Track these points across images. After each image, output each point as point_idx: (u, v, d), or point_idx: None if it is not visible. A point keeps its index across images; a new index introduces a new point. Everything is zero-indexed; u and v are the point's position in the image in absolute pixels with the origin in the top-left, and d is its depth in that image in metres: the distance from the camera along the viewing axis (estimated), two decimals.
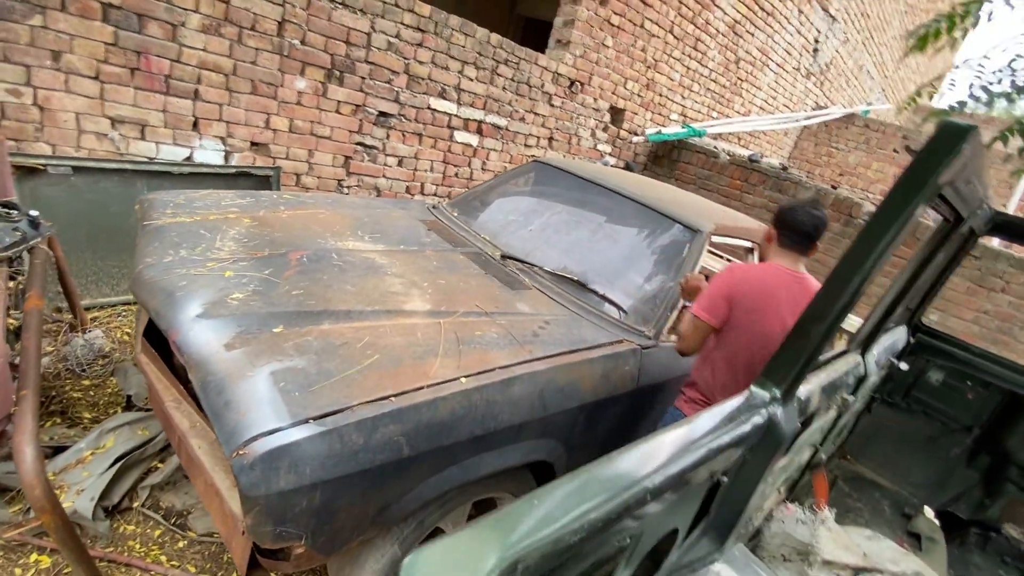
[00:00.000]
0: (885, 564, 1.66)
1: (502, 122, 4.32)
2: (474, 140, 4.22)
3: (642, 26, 4.94)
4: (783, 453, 1.05)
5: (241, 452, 1.04)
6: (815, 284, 1.76)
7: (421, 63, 3.62)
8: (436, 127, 3.93)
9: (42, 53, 2.36)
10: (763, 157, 5.42)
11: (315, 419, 1.12)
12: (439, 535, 1.60)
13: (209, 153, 2.98)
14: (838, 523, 1.82)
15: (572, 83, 4.65)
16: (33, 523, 1.63)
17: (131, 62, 2.59)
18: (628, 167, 5.60)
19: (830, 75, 8.24)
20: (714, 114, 6.46)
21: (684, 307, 2.00)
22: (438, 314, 1.65)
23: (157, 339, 1.62)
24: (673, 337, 2.15)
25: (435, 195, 4.21)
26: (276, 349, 1.28)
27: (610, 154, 5.42)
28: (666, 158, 5.71)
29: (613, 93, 5.08)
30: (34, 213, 1.93)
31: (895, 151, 8.20)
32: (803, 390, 1.13)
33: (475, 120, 4.13)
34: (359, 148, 3.60)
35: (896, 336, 2.21)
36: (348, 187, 3.67)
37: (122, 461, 1.78)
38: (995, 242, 4.43)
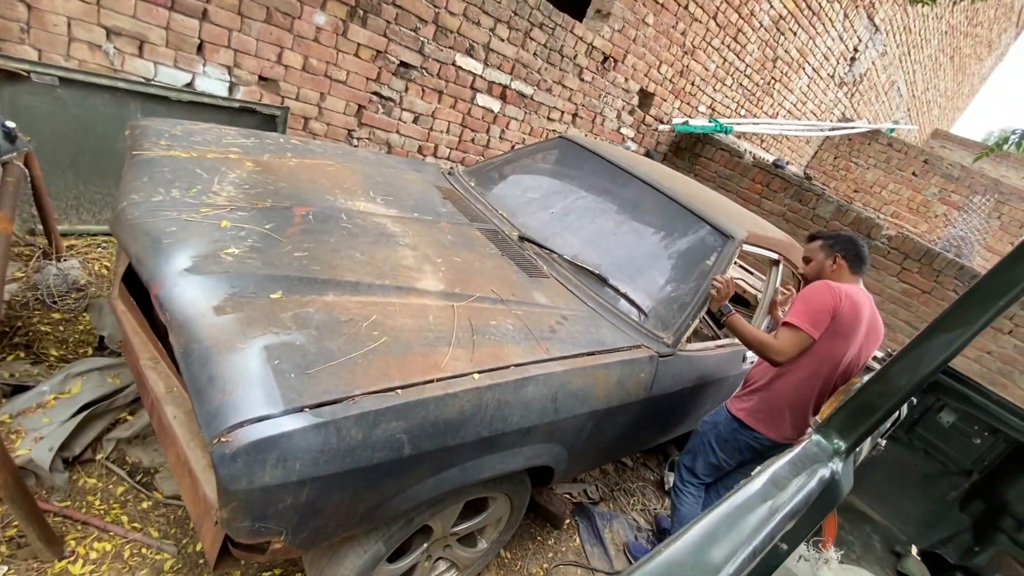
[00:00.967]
0: None
1: (528, 90, 4.07)
2: (496, 106, 3.98)
3: (686, 7, 4.67)
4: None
5: (223, 439, 0.90)
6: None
7: (452, 14, 3.35)
8: (458, 86, 3.69)
9: None
10: (788, 164, 5.25)
11: (311, 408, 0.98)
12: (427, 532, 1.50)
13: (212, 82, 2.73)
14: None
15: (606, 58, 4.40)
16: None
17: None
18: (648, 155, 5.40)
19: (862, 87, 8.01)
20: (742, 112, 6.24)
21: (724, 314, 1.89)
22: (451, 296, 1.50)
23: (137, 286, 1.46)
24: (693, 346, 2.03)
25: (448, 159, 3.99)
26: (272, 319, 1.13)
27: (632, 139, 5.21)
28: (688, 151, 5.51)
29: (645, 75, 4.83)
30: (11, 124, 1.72)
31: (914, 174, 8.06)
32: None
33: (500, 84, 3.89)
34: (375, 98, 3.36)
35: None
36: (359, 139, 3.44)
37: (88, 411, 1.63)
38: None
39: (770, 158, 5.30)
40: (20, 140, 1.79)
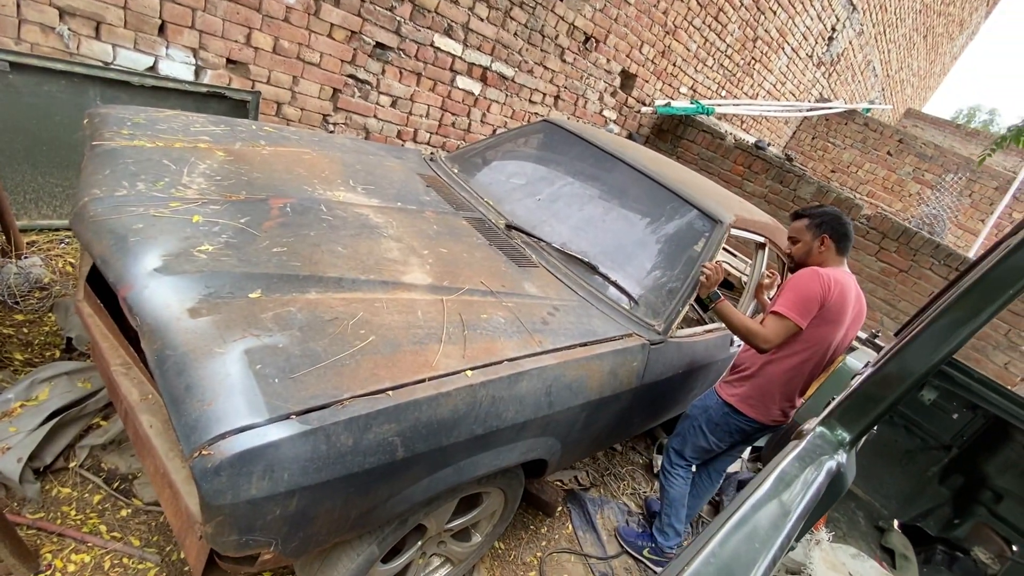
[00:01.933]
0: None
1: (509, 72, 3.97)
2: (476, 88, 3.88)
3: None
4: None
5: (205, 452, 0.84)
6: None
7: None
8: (437, 68, 3.57)
9: None
10: (769, 145, 5.27)
11: (298, 415, 0.93)
12: (421, 531, 1.47)
13: (177, 65, 2.58)
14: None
15: (587, 38, 4.31)
16: None
17: None
18: (631, 137, 5.36)
19: (839, 67, 8.05)
20: (723, 92, 6.22)
21: (713, 300, 1.88)
22: (440, 289, 1.45)
23: (104, 286, 1.37)
24: (683, 332, 2.03)
25: (427, 144, 3.89)
26: (252, 320, 1.07)
27: (615, 121, 5.15)
28: (670, 133, 5.48)
29: (627, 56, 4.76)
30: None
31: (889, 153, 8.19)
32: None
33: (480, 66, 3.78)
34: (350, 81, 3.23)
35: None
36: (335, 124, 3.32)
37: (57, 418, 1.55)
38: None
39: (751, 140, 5.30)
40: None
